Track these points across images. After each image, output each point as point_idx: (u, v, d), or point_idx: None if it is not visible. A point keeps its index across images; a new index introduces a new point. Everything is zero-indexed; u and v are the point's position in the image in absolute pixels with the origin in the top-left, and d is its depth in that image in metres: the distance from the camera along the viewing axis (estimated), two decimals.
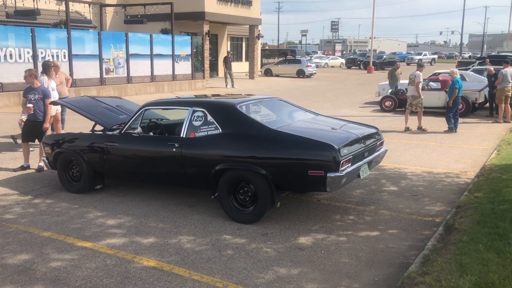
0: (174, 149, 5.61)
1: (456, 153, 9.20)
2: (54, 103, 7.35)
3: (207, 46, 24.71)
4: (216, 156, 5.37)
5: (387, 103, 16.20)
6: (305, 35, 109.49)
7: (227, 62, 23.85)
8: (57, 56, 16.12)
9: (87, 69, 17.25)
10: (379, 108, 16.41)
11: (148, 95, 19.51)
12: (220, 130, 5.42)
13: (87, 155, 6.35)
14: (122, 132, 6.13)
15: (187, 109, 5.74)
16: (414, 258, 4.36)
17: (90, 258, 4.44)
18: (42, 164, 7.50)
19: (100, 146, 6.23)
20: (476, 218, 4.72)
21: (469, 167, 8.08)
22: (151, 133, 6.09)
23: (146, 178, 6.23)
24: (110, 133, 6.30)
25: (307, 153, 4.93)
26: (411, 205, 6.04)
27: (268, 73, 35.98)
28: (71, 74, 16.62)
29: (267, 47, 61.81)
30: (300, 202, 6.08)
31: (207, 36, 24.56)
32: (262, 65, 38.98)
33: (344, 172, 4.83)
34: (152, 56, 20.02)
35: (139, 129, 5.93)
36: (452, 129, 11.58)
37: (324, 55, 65.47)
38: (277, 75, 35.52)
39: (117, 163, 6.18)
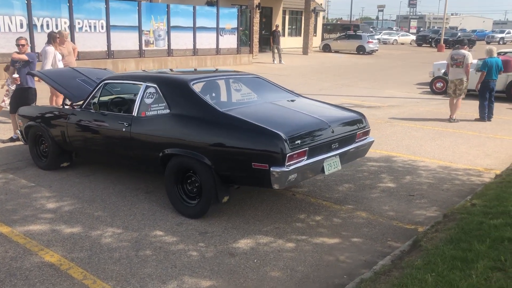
0: (123, 129, 5.03)
1: (491, 146, 7.90)
2: (30, 73, 7.03)
3: (256, 19, 23.84)
4: (163, 139, 4.72)
5: (438, 85, 14.64)
6: (382, 11, 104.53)
7: (274, 36, 22.86)
8: (95, 27, 16.06)
9: (125, 41, 17.09)
10: (429, 89, 14.92)
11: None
12: (169, 109, 4.76)
13: (52, 130, 5.95)
14: (82, 107, 5.65)
15: (141, 84, 5.12)
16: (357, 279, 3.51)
17: None
18: (16, 136, 7.36)
19: (62, 122, 5.81)
20: (452, 234, 3.74)
21: (498, 163, 6.84)
22: (108, 110, 5.53)
23: (101, 158, 5.75)
24: (72, 108, 5.85)
25: (251, 141, 4.15)
26: (399, 208, 5.08)
27: (326, 48, 34.47)
28: (108, 46, 16.57)
29: (339, 22, 58.83)
30: (270, 195, 5.32)
31: (257, 9, 23.66)
32: (323, 40, 37.46)
33: (291, 167, 4.00)
34: (194, 29, 19.53)
35: (95, 105, 5.42)
36: (483, 118, 10.13)
37: (394, 31, 61.97)
38: (336, 51, 33.94)
39: (76, 140, 5.72)
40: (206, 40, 20.16)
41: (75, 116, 5.66)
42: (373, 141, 5.20)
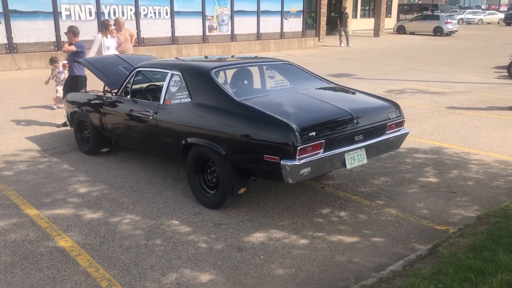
0: (150, 117, 5.06)
1: None
2: (76, 61, 7.28)
3: (324, 1, 23.19)
4: (184, 128, 4.67)
5: None
6: None
7: (342, 18, 22.10)
8: (159, 13, 16.43)
9: (188, 27, 17.34)
10: (507, 74, 13.73)
11: (252, 54, 19.10)
12: (191, 98, 4.69)
13: (91, 116, 6.14)
14: (117, 94, 5.75)
15: (167, 72, 5.09)
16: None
17: (20, 228, 4.20)
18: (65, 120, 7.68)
19: (99, 108, 5.97)
20: (477, 239, 3.34)
21: None
22: (139, 98, 5.57)
23: (134, 145, 5.84)
24: (109, 95, 5.98)
25: (263, 132, 3.97)
26: (434, 205, 4.68)
27: (400, 30, 32.84)
28: (172, 32, 16.90)
29: (420, 1, 55.52)
30: (297, 187, 5.12)
31: None
32: (398, 21, 35.75)
33: (303, 161, 3.78)
34: (258, 13, 19.39)
35: (127, 92, 5.50)
36: None
37: (480, 10, 57.67)
38: (411, 33, 32.22)
39: (111, 126, 5.85)
40: (270, 24, 19.95)
41: (110, 103, 5.78)
42: (407, 133, 4.80)
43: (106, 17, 15.14)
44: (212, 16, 18.03)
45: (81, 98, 6.49)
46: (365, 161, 4.34)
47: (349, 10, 30.91)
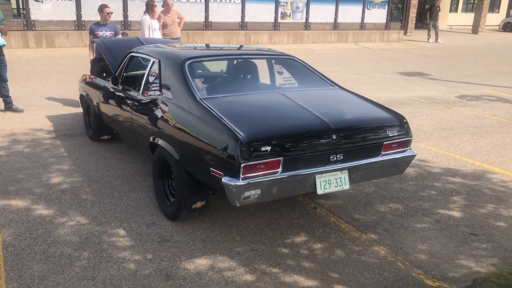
0: (128, 108, 4.58)
1: None
2: (93, 41, 6.99)
3: None
4: (149, 125, 4.12)
5: None
6: None
7: (432, 11, 20.13)
8: None
9: (260, 12, 16.72)
10: None
11: (327, 45, 18.10)
12: (160, 92, 4.11)
13: (93, 101, 5.83)
14: (110, 80, 5.34)
15: (150, 59, 4.55)
16: None
17: None
18: None
19: (97, 94, 5.62)
20: None
21: None
22: (127, 85, 5.08)
23: (120, 136, 5.39)
24: (105, 80, 5.59)
25: (210, 140, 3.29)
26: (440, 250, 3.69)
27: (507, 28, 29.55)
28: (243, 16, 16.42)
29: None
30: (284, 203, 4.37)
31: None
32: (507, 17, 32.22)
33: (250, 181, 3.04)
34: (337, 1, 18.23)
35: (115, 79, 5.05)
36: None
37: None
38: None
39: (104, 113, 5.47)
40: (349, 14, 18.72)
41: (104, 89, 5.40)
42: (413, 156, 3.81)
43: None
44: (286, 3, 17.25)
45: (88, 82, 6.20)
46: (346, 186, 3.48)
47: (447, 2, 28.45)
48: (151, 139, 4.08)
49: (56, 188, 4.60)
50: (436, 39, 20.28)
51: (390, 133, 3.62)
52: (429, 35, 20.48)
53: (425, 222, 4.16)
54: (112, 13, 7.65)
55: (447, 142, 6.54)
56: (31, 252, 3.45)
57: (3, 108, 7.28)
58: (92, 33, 7.56)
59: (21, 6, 14.72)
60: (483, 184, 5.06)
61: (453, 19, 29.70)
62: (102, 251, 3.51)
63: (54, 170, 5.07)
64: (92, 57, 7.70)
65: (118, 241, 3.65)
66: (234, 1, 16.10)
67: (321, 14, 18.05)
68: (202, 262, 3.41)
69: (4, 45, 6.92)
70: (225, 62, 4.61)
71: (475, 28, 25.47)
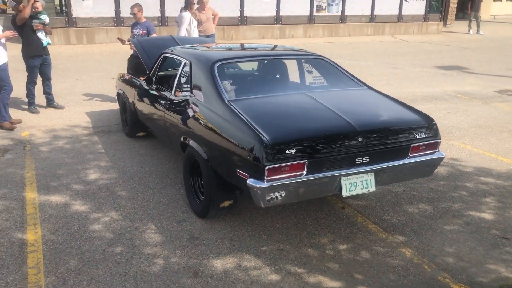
0: (161, 107, 4.72)
1: None
2: (129, 40, 7.18)
3: None
4: (181, 125, 4.25)
5: None
6: None
7: (473, 1, 19.46)
8: None
9: (295, 6, 16.64)
10: None
11: (363, 37, 17.86)
12: (191, 93, 4.23)
13: (129, 99, 6.02)
14: (145, 81, 5.50)
15: (181, 61, 4.67)
16: None
17: (5, 212, 4.16)
18: None
19: (133, 92, 5.80)
20: None
21: None
22: (161, 85, 5.22)
23: (154, 134, 5.54)
24: (140, 79, 5.76)
25: (236, 142, 3.37)
26: (469, 253, 3.65)
27: None
28: (277, 10, 16.39)
29: None
30: (313, 203, 4.41)
31: None
32: None
33: (274, 183, 3.11)
34: None
35: (149, 79, 5.21)
36: None
37: None
38: None
39: (139, 111, 5.64)
40: (386, 6, 18.37)
41: (139, 87, 5.57)
42: (443, 158, 3.78)
43: None
44: None
45: (124, 80, 6.39)
46: (372, 188, 3.49)
47: None
48: (182, 138, 4.21)
49: (93, 184, 4.81)
50: (478, 31, 19.64)
51: (417, 135, 3.60)
52: (470, 26, 19.85)
53: (455, 224, 4.12)
54: (135, 13, 7.77)
55: (483, 140, 6.39)
56: (68, 247, 3.64)
57: (45, 104, 7.60)
58: (131, 30, 7.80)
59: (63, 3, 15.21)
60: None
61: (497, 9, 28.61)
62: (134, 247, 3.66)
63: (91, 166, 5.29)
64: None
65: (150, 238, 3.80)
66: None
67: (357, 6, 17.80)
68: (229, 260, 3.51)
69: (49, 43, 7.21)
70: (255, 63, 4.68)
71: None
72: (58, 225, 3.97)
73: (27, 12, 6.75)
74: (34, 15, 6.91)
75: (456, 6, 21.80)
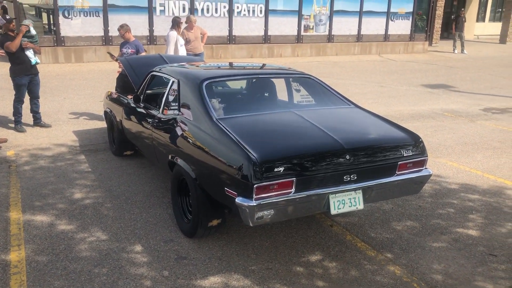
0: (149, 126, 4.70)
1: None
2: (117, 59, 7.19)
3: (441, 2, 21.13)
4: (168, 144, 4.23)
5: None
6: None
7: (458, 22, 19.86)
8: (253, 11, 16.16)
9: (283, 26, 16.83)
10: None
11: (350, 57, 18.07)
12: (179, 111, 4.22)
13: (116, 117, 5.99)
14: (132, 98, 5.49)
15: (170, 79, 4.67)
16: None
17: None
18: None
19: (120, 110, 5.79)
20: None
21: None
22: (148, 103, 5.21)
23: (142, 152, 5.51)
24: (127, 98, 5.75)
25: (225, 161, 3.36)
26: (458, 270, 3.65)
27: None
28: (266, 30, 16.56)
29: None
30: (301, 221, 4.40)
31: None
32: None
33: (262, 202, 3.10)
34: (361, 13, 18.19)
35: (137, 98, 5.20)
36: None
37: None
38: None
39: (126, 129, 5.62)
40: (373, 26, 18.65)
41: (126, 106, 5.56)
42: (430, 175, 3.81)
43: (199, 14, 15.27)
44: (309, 16, 17.31)
45: (111, 98, 6.38)
46: (360, 206, 3.50)
47: (474, 12, 28.04)
48: (169, 157, 4.19)
49: (79, 204, 4.75)
50: (462, 50, 20.01)
51: (405, 153, 3.63)
52: (454, 45, 20.21)
53: (443, 241, 4.13)
54: (123, 34, 7.84)
55: (469, 157, 6.46)
56: (53, 268, 3.57)
57: (32, 123, 7.53)
58: (120, 50, 7.82)
59: (52, 22, 15.20)
60: (503, 202, 4.98)
61: (480, 29, 29.21)
62: (121, 267, 3.60)
63: (78, 186, 5.23)
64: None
65: (136, 258, 3.74)
66: (257, 15, 16.27)
67: (344, 26, 18.05)
68: (216, 280, 3.47)
69: (38, 63, 7.19)
70: (243, 81, 4.70)
71: (503, 38, 25.00)
72: (43, 246, 3.90)
73: (16, 44, 6.73)
74: (24, 34, 6.90)
75: (441, 26, 22.21)
